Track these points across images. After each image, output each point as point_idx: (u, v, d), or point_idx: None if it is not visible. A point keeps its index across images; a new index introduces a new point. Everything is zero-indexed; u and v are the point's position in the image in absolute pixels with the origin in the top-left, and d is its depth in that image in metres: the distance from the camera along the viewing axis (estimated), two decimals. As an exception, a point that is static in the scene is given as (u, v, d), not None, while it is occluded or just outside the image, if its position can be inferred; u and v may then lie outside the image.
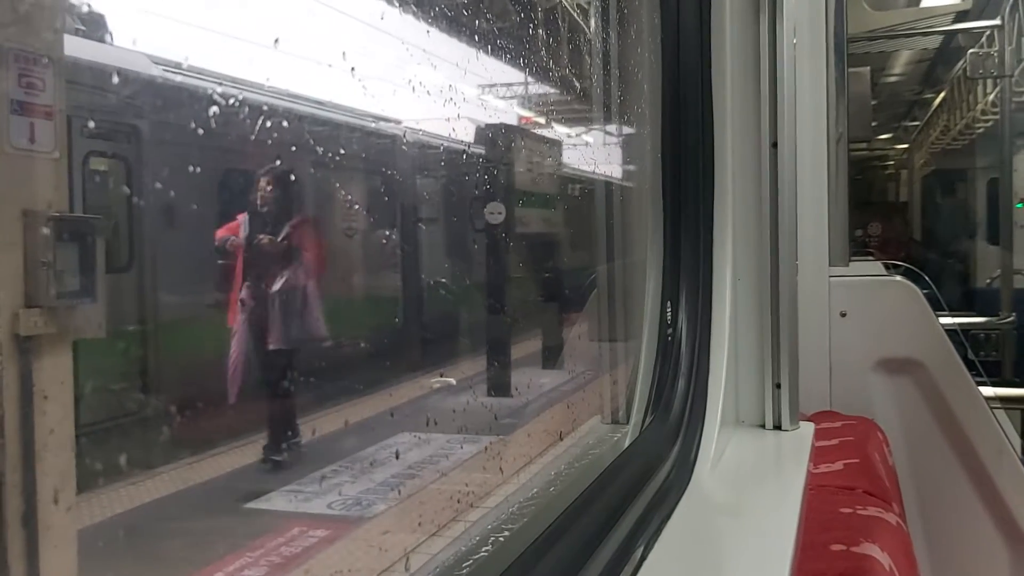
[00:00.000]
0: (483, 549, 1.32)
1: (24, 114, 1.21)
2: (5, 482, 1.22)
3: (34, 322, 1.29)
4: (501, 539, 1.40)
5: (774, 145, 2.16)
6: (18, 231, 1.17)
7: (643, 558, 1.32)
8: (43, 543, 1.24)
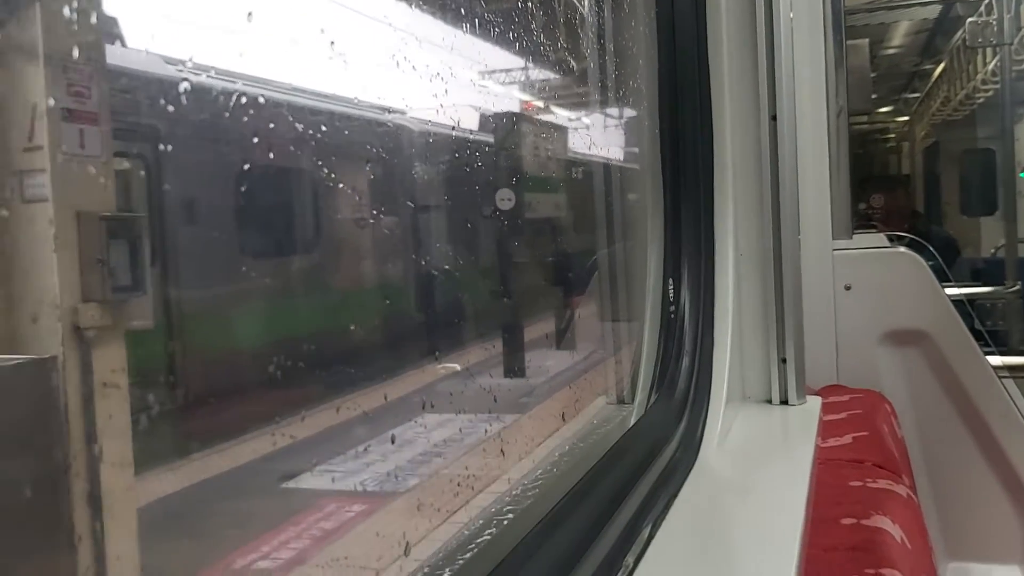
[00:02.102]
0: (488, 530, 1.30)
1: (73, 121, 1.31)
2: (72, 464, 1.32)
3: (91, 315, 1.41)
4: (507, 520, 1.39)
5: (773, 118, 2.13)
6: (73, 231, 1.29)
7: (650, 537, 1.31)
8: (107, 521, 1.35)
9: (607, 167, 2.38)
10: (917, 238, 4.17)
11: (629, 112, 2.57)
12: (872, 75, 6.22)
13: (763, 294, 2.16)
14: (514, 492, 1.50)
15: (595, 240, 2.32)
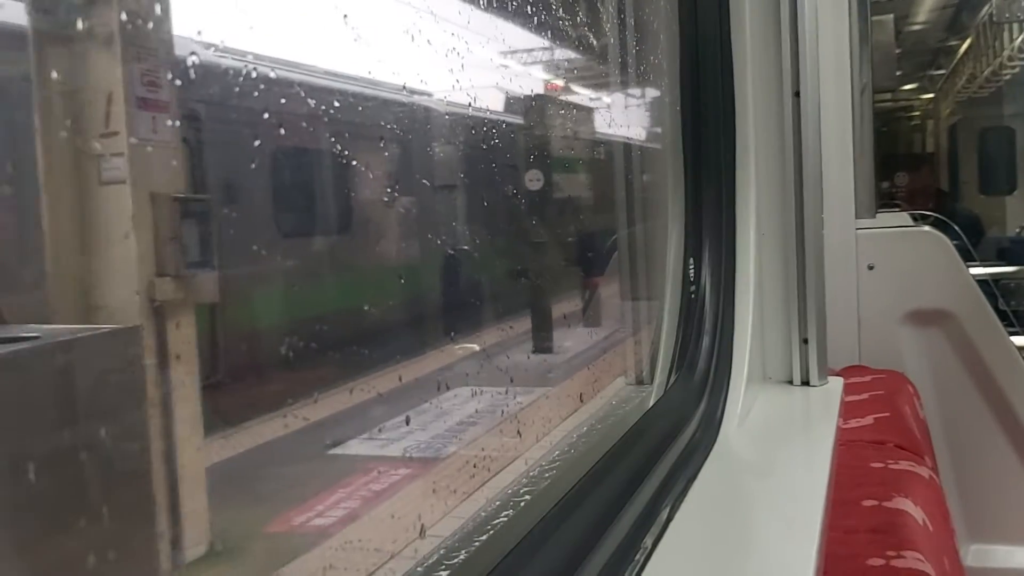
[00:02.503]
0: (505, 512, 1.29)
1: (147, 109, 1.43)
2: (150, 427, 1.42)
3: (166, 289, 1.58)
4: (524, 501, 1.38)
5: (796, 94, 2.09)
6: (149, 211, 1.43)
7: (669, 519, 1.30)
8: (181, 479, 1.54)
9: (629, 146, 2.37)
10: (941, 217, 4.12)
11: (651, 90, 2.54)
12: (896, 51, 6.14)
13: (785, 274, 2.13)
14: (531, 473, 1.49)
15: (618, 219, 2.32)
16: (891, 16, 4.38)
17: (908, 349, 3.29)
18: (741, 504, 1.53)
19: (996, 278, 3.88)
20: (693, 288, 2.03)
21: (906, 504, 1.90)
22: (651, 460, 1.49)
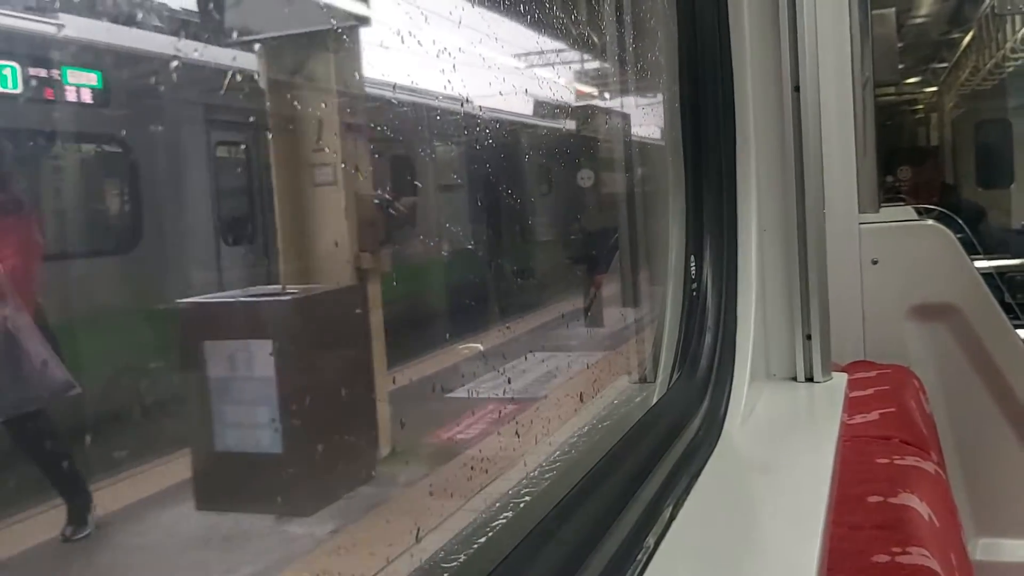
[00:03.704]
0: (507, 512, 1.29)
1: (347, 130, 2.02)
2: (363, 359, 2.31)
3: (366, 261, 2.39)
4: (527, 500, 1.38)
5: (796, 89, 2.08)
6: (353, 204, 2.14)
7: (672, 518, 1.29)
8: (377, 395, 2.55)
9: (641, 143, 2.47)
10: (946, 211, 4.10)
11: (650, 85, 2.54)
12: (899, 45, 6.11)
13: (787, 270, 2.12)
14: (532, 474, 1.49)
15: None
16: (893, 9, 4.36)
17: (913, 344, 3.28)
18: (744, 501, 1.52)
19: (1001, 271, 3.86)
20: (695, 285, 2.03)
21: (912, 500, 1.89)
22: (654, 458, 1.49)
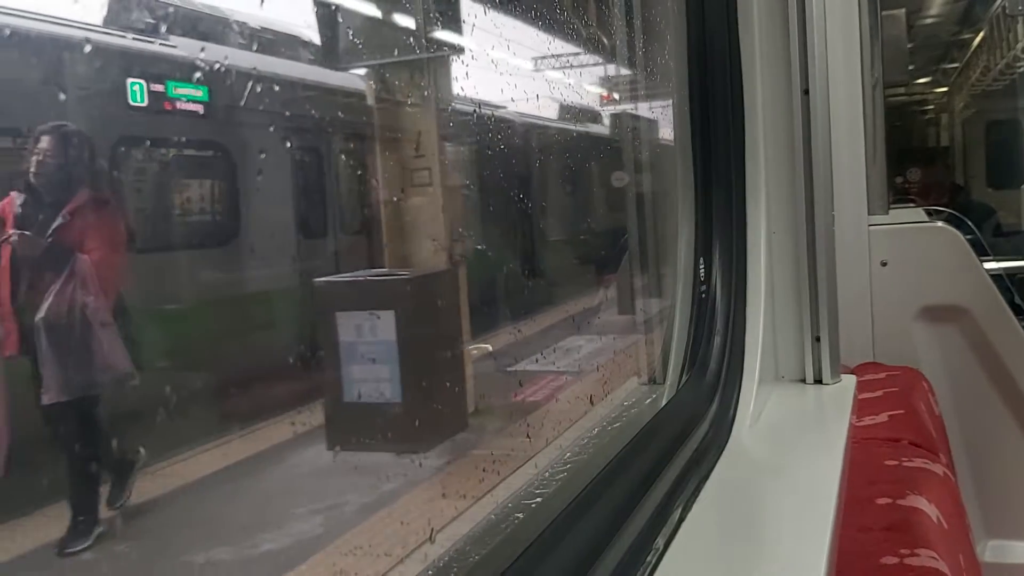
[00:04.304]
0: (519, 512, 1.30)
1: (441, 140, 2.92)
2: (456, 330, 3.77)
3: (457, 249, 3.63)
4: (538, 501, 1.38)
5: (806, 92, 2.09)
6: (447, 201, 3.13)
7: (681, 519, 1.30)
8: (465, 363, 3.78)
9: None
10: (956, 212, 4.09)
11: (659, 88, 2.55)
12: (908, 46, 6.10)
13: (796, 271, 2.13)
14: (544, 474, 1.50)
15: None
16: (903, 10, 4.36)
17: (922, 345, 3.28)
18: (754, 503, 1.53)
19: (1011, 273, 3.85)
20: (704, 287, 2.03)
21: (920, 502, 1.90)
22: (663, 460, 1.50)
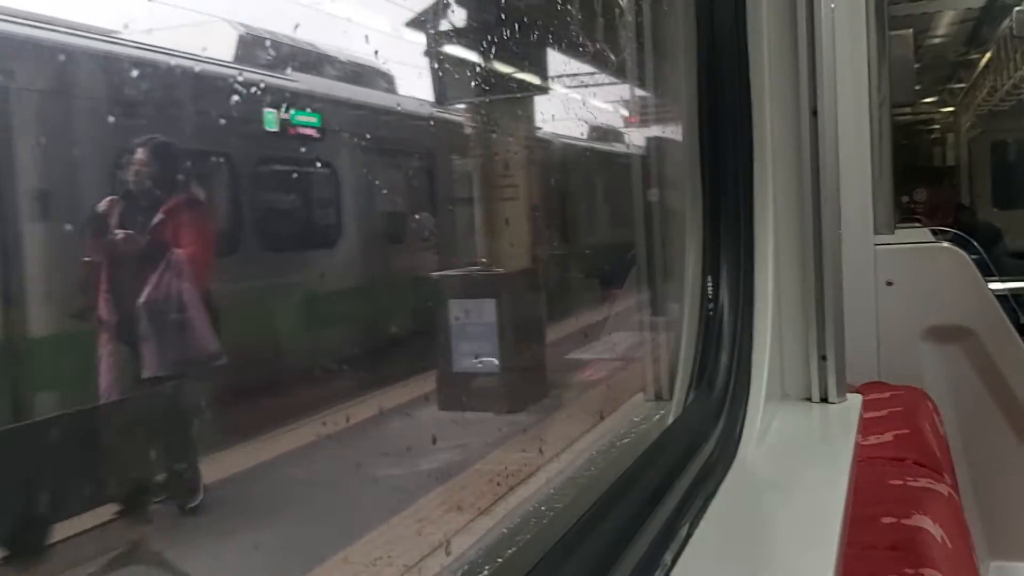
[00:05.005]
0: (528, 528, 1.31)
1: (527, 162, 4.24)
2: (540, 316, 5.19)
3: (538, 251, 4.87)
4: (546, 517, 1.40)
5: (814, 113, 2.11)
6: (530, 212, 4.53)
7: (688, 535, 1.31)
8: (545, 344, 5.29)
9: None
10: (961, 233, 4.10)
11: (668, 106, 2.57)
12: (916, 66, 6.11)
13: (803, 290, 2.14)
14: (552, 490, 1.51)
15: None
16: (910, 31, 4.38)
17: (928, 365, 3.29)
18: (760, 521, 1.54)
19: (1016, 293, 3.86)
20: (711, 305, 2.05)
21: (925, 521, 1.91)
22: (671, 477, 1.51)
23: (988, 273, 3.66)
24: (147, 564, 2.78)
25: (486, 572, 1.19)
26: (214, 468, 3.26)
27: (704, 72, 2.10)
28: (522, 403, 4.68)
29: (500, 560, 1.21)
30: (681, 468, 1.56)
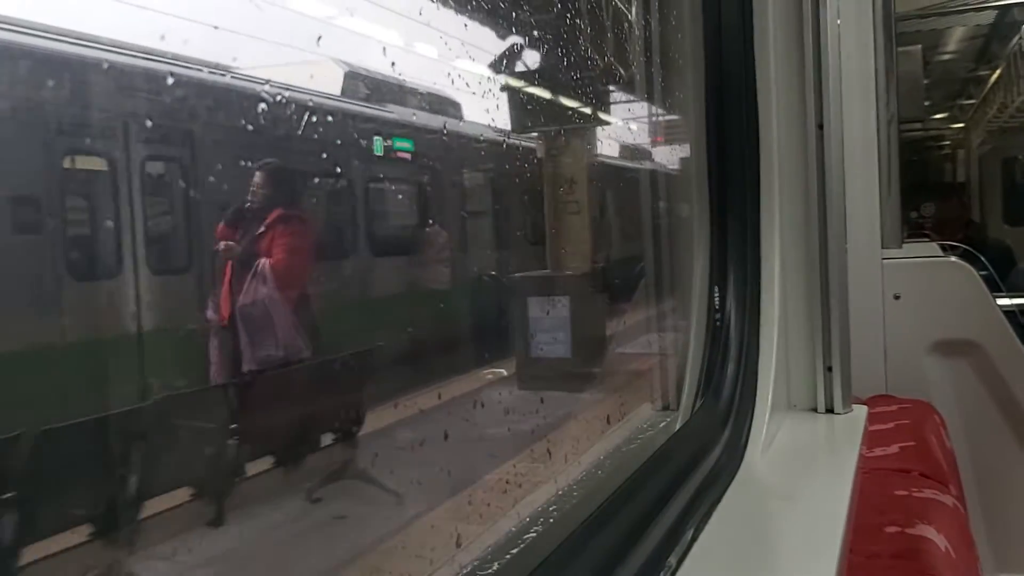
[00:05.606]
0: (534, 529, 1.34)
1: (587, 180, 5.43)
2: (602, 313, 5.72)
3: (597, 260, 5.73)
4: (552, 520, 1.42)
5: (820, 127, 2.13)
6: (591, 224, 5.42)
7: (693, 540, 1.33)
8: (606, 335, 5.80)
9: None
10: (970, 248, 4.11)
11: (676, 119, 2.60)
12: (925, 82, 6.13)
13: (809, 302, 2.16)
14: (560, 492, 1.54)
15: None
16: (919, 47, 4.40)
17: (935, 379, 3.30)
18: (764, 527, 1.56)
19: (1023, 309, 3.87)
20: (718, 316, 2.07)
21: (929, 531, 1.92)
22: (676, 483, 1.53)
23: (996, 289, 3.67)
24: (359, 479, 4.15)
25: (494, 568, 1.22)
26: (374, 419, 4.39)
27: (712, 86, 2.13)
28: (588, 384, 5.64)
29: (507, 558, 1.23)
30: (687, 474, 1.58)
